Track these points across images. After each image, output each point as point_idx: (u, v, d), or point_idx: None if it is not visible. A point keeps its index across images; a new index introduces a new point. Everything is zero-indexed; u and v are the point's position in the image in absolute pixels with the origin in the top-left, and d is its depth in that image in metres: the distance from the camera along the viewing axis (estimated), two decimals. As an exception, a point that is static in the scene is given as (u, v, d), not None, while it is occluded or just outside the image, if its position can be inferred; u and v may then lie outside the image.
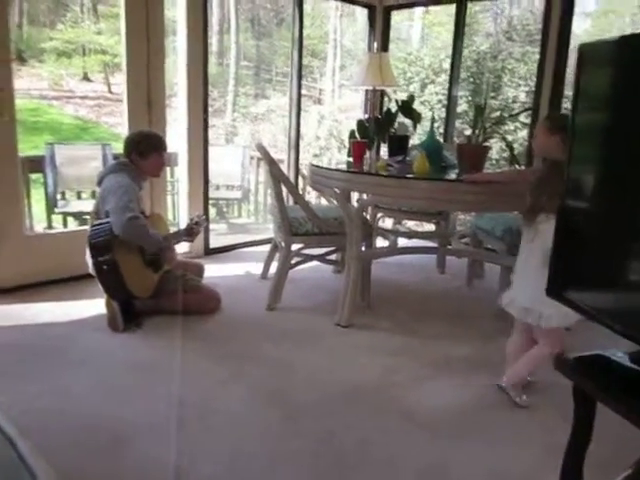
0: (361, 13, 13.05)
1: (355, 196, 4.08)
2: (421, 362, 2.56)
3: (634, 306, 1.22)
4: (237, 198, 5.84)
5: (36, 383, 2.24)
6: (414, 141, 3.77)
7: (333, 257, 3.62)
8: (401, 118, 3.36)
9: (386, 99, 4.01)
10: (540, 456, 1.88)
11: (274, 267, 3.55)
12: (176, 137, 3.93)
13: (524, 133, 9.15)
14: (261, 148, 3.12)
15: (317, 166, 3.09)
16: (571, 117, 1.28)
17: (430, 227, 5.24)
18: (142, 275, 2.81)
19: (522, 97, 10.50)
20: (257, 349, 2.64)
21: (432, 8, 13.52)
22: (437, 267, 3.98)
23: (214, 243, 4.21)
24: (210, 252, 4.12)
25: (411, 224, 5.16)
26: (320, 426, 2.03)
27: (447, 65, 10.96)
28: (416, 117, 3.22)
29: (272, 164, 3.01)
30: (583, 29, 13.45)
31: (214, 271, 3.62)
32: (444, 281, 3.82)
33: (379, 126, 3.25)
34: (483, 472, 1.80)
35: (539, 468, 1.82)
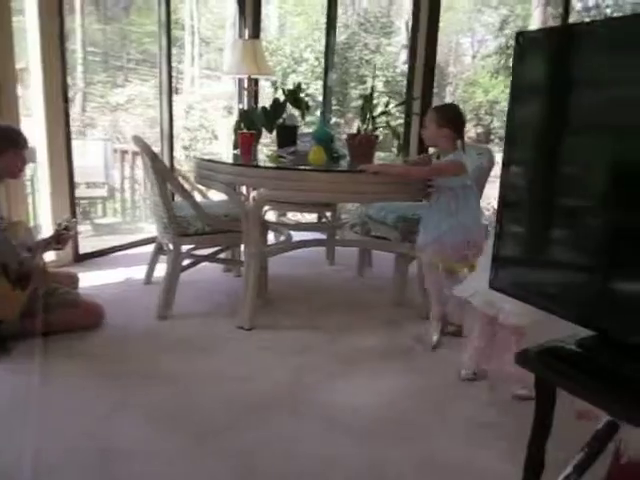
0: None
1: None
2: (332, 358, 2.49)
3: (572, 290, 1.25)
4: (102, 196, 5.34)
5: None
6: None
7: (222, 256, 3.43)
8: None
9: (272, 87, 3.86)
10: (472, 439, 1.91)
11: (158, 270, 3.28)
12: (29, 129, 3.43)
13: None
14: (140, 141, 2.82)
15: (205, 160, 2.87)
16: (508, 109, 1.27)
17: (311, 218, 5.22)
18: (6, 294, 2.40)
19: (380, 87, 10.96)
20: (153, 365, 2.39)
21: (289, -2, 13.57)
22: (327, 259, 3.96)
23: (84, 248, 3.78)
24: (80, 259, 3.68)
25: (290, 215, 5.09)
26: (239, 444, 1.86)
27: (308, 54, 11.14)
28: (304, 107, 3.13)
29: (154, 159, 2.74)
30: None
31: (89, 280, 3.24)
32: (336, 272, 3.81)
33: (267, 116, 3.10)
34: (421, 466, 1.77)
35: (474, 452, 1.84)
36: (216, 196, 5.34)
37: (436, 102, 6.87)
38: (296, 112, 3.17)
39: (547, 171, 1.30)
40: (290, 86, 3.30)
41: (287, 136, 3.12)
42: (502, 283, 1.33)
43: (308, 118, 3.53)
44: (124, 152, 5.61)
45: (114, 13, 13.64)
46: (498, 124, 11.90)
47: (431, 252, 2.62)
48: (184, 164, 6.61)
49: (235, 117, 4.27)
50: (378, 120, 3.03)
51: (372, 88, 3.06)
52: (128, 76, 12.45)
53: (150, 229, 5.00)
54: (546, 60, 1.21)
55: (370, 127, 2.97)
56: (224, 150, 8.53)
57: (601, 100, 1.16)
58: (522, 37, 1.21)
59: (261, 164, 2.78)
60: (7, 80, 3.08)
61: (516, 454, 1.77)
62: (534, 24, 10.74)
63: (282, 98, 3.13)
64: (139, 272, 3.43)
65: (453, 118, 2.60)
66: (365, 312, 3.07)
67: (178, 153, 6.54)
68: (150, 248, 3.39)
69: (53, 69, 3.31)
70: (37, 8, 3.19)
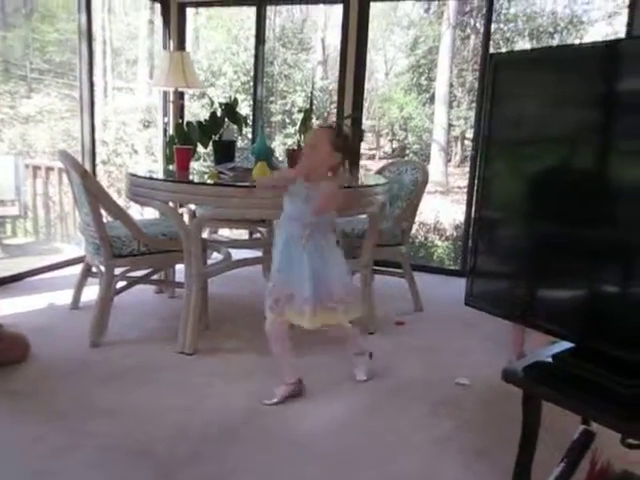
0: (131, 7, 12.22)
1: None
2: (282, 380, 2.41)
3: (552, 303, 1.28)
4: (14, 215, 4.93)
5: None
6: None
7: (156, 276, 3.25)
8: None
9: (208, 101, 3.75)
10: (432, 456, 1.90)
11: (85, 294, 3.07)
12: None
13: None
14: (68, 157, 2.63)
15: (141, 176, 2.71)
16: (483, 132, 1.28)
17: (239, 233, 5.11)
18: None
19: (300, 102, 11.03)
20: (93, 398, 2.20)
21: (201, 10, 13.36)
22: (264, 276, 3.86)
23: (-3, 273, 3.46)
24: (-6, 284, 3.37)
25: (220, 232, 4.95)
26: (206, 477, 1.75)
27: (226, 68, 11.01)
28: (242, 121, 3.05)
29: (85, 176, 2.55)
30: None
31: (7, 308, 2.96)
32: (274, 289, 3.72)
33: (204, 131, 2.99)
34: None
35: (438, 469, 1.83)
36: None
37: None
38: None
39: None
40: (206, 100, 3.22)
41: (225, 152, 3.03)
42: (478, 300, 1.34)
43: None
44: (36, 167, 5.24)
45: (14, 20, 12.81)
46: (413, 139, 12.34)
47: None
48: (103, 179, 6.26)
49: (154, 131, 4.11)
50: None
51: (311, 101, 3.03)
52: (32, 86, 11.70)
53: (67, 250, 4.68)
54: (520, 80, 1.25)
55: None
56: (145, 164, 8.17)
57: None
58: (498, 58, 1.24)
59: (207, 181, 2.65)
60: None
61: (478, 467, 1.81)
62: (444, 44, 11.30)
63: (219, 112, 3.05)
64: (63, 297, 3.19)
65: (346, 147, 2.15)
66: (307, 330, 3.01)
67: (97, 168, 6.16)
68: (71, 270, 3.15)
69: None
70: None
